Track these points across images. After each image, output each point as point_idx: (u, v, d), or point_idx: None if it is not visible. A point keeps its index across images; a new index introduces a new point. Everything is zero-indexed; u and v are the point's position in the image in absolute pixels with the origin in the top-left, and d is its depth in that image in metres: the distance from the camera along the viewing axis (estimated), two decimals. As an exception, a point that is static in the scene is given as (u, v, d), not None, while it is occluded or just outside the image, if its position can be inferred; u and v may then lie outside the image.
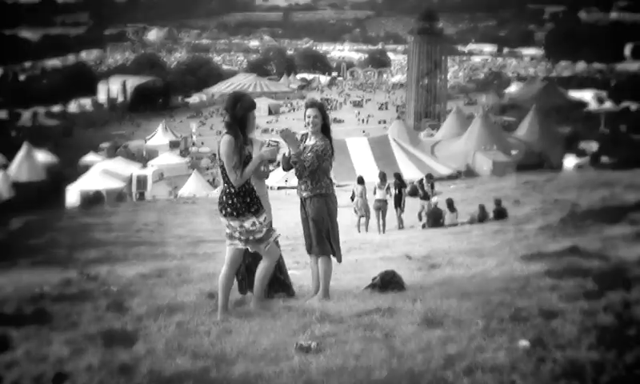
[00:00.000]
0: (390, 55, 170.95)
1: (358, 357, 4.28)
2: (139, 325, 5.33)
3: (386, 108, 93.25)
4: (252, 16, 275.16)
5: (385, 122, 76.19)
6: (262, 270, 5.69)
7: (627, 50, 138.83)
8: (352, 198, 19.96)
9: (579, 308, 5.05)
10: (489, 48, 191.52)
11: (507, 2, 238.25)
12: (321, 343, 4.57)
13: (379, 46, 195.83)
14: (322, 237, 6.32)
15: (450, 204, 19.06)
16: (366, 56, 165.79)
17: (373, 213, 19.36)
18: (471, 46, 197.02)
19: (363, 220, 19.62)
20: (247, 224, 5.47)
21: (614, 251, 8.60)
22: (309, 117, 6.33)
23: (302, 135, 6.42)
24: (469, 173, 46.68)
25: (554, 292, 5.77)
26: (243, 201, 5.46)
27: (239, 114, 5.48)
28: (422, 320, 4.98)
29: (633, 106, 73.28)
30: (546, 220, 16.62)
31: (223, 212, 5.54)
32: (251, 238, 5.50)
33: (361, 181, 19.63)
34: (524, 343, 4.27)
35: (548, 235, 12.84)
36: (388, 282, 6.59)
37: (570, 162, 46.97)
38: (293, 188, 22.70)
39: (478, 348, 4.24)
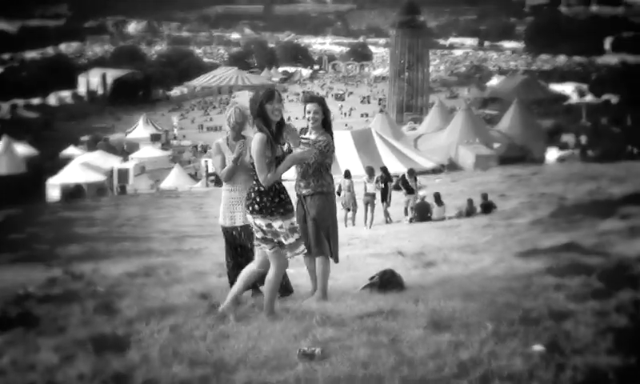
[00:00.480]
0: (372, 48, 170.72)
1: (366, 364, 4.06)
2: (130, 329, 5.07)
3: (369, 101, 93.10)
4: (233, 9, 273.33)
5: (367, 115, 76.01)
6: (269, 280, 5.38)
7: (607, 43, 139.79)
8: (339, 193, 19.74)
9: (590, 309, 4.88)
10: (470, 41, 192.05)
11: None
12: (325, 349, 4.35)
13: (361, 39, 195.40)
14: (322, 236, 6.12)
15: (438, 198, 18.93)
16: (348, 49, 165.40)
17: (360, 206, 19.17)
18: (452, 40, 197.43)
19: (350, 214, 19.43)
20: (275, 225, 5.22)
21: (611, 247, 8.47)
22: (309, 112, 6.11)
23: (301, 129, 6.18)
24: (452, 166, 46.68)
25: (560, 291, 5.60)
26: (273, 200, 5.19)
27: (256, 109, 5.19)
28: (429, 323, 4.77)
29: (613, 99, 73.68)
30: (536, 214, 16.52)
31: (250, 209, 5.26)
32: (276, 240, 5.25)
33: (347, 175, 19.42)
34: (539, 348, 4.09)
35: (540, 230, 12.71)
36: (387, 282, 6.38)
37: (552, 154, 47.15)
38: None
39: (492, 354, 4.04)
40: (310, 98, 6.24)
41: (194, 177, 47.01)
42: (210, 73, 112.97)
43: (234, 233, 6.29)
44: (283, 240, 5.20)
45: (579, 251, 8.15)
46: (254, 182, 5.23)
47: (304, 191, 6.19)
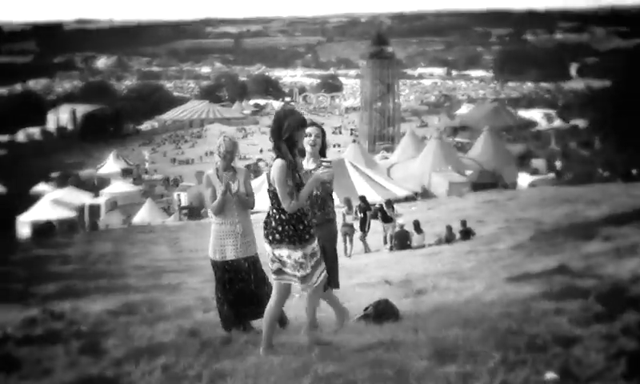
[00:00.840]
0: (342, 80, 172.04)
1: (374, 399, 3.87)
2: (120, 370, 4.83)
3: (340, 132, 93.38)
4: (202, 43, 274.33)
5: (339, 145, 76.15)
6: (270, 311, 5.20)
7: (573, 69, 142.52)
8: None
9: (596, 333, 4.75)
10: (438, 71, 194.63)
11: (454, 25, 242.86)
12: (329, 385, 4.15)
13: (331, 71, 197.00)
14: (329, 266, 5.93)
15: (417, 225, 18.83)
16: (319, 81, 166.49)
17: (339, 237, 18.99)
18: (421, 70, 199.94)
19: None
20: (297, 255, 5.03)
21: (601, 269, 8.40)
22: (309, 135, 5.89)
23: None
24: (425, 194, 46.82)
25: (561, 316, 5.46)
26: (295, 228, 5.01)
27: (286, 133, 5.00)
28: (432, 354, 4.59)
29: (581, 124, 74.87)
30: (515, 239, 16.46)
31: (270, 238, 5.06)
32: (298, 273, 5.05)
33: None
34: (552, 376, 3.93)
35: (523, 254, 12.62)
36: (382, 312, 6.19)
37: (524, 179, 47.61)
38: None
39: (504, 384, 3.88)
40: (311, 122, 6.04)
41: (167, 211, 46.54)
42: (181, 106, 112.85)
43: (225, 267, 6.06)
44: (303, 272, 5.02)
45: (571, 274, 8.06)
46: (274, 211, 5.04)
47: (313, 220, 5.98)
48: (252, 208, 6.22)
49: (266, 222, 5.10)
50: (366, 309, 6.39)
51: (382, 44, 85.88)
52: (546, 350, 4.44)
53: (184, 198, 47.87)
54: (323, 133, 6.06)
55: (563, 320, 5.30)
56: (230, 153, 6.10)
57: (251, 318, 6.06)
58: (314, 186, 5.14)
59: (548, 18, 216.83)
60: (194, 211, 44.62)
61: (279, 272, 5.10)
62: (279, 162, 4.93)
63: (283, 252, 5.01)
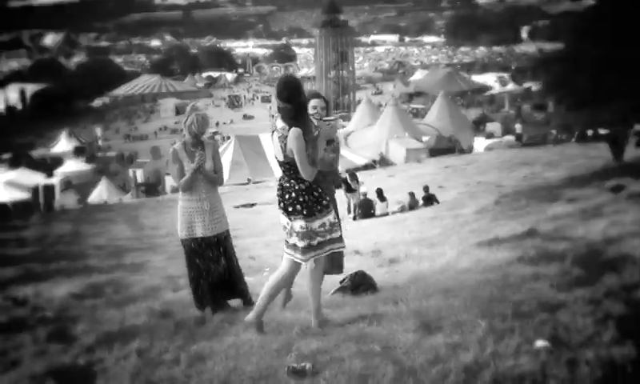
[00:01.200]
0: (295, 49, 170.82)
1: (364, 377, 3.74)
2: (92, 357, 4.62)
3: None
4: (151, 16, 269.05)
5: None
6: (275, 283, 5.00)
7: (524, 32, 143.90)
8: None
9: (580, 297, 4.69)
10: (391, 38, 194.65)
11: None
12: (315, 364, 4.00)
13: (283, 41, 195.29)
14: None
15: (380, 193, 18.79)
16: (271, 51, 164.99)
17: None
18: (374, 37, 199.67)
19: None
20: (315, 224, 4.81)
21: (571, 231, 8.41)
22: (314, 107, 5.53)
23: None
24: (383, 161, 46.91)
25: (541, 281, 5.41)
26: (315, 197, 4.82)
27: (298, 100, 4.74)
28: (418, 326, 4.48)
29: (534, 87, 75.68)
30: (478, 203, 16.52)
31: (290, 209, 4.81)
32: (308, 242, 4.80)
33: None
34: (543, 343, 3.85)
35: (488, 219, 12.65)
36: (359, 284, 6.08)
37: (480, 144, 48.00)
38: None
39: (495, 354, 3.79)
40: (315, 94, 5.72)
41: (123, 188, 45.77)
42: (133, 81, 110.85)
43: (192, 245, 5.81)
44: (318, 239, 4.82)
45: (541, 238, 8.05)
46: (292, 181, 4.81)
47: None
48: (221, 184, 5.99)
49: (282, 195, 4.87)
50: (342, 281, 6.26)
51: (335, 12, 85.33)
52: (533, 317, 4.37)
53: (140, 175, 47.13)
54: (327, 104, 5.76)
55: (544, 285, 5.25)
56: (202, 132, 5.84)
57: (225, 298, 5.88)
58: (322, 146, 4.93)
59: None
60: (152, 188, 43.99)
61: (293, 247, 4.89)
62: (297, 130, 4.66)
63: (304, 222, 4.80)
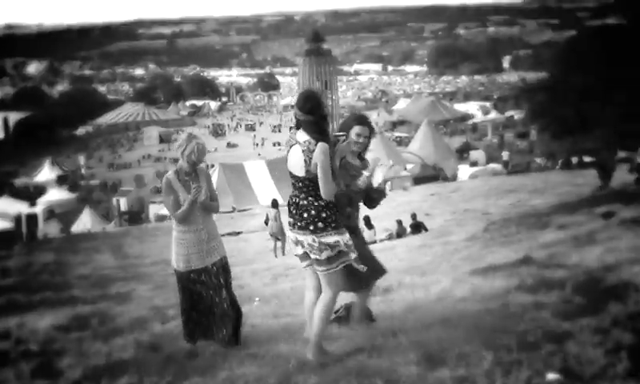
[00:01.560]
0: (279, 78, 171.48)
1: (369, 413, 3.56)
2: (79, 394, 4.39)
3: (279, 130, 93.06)
4: (135, 45, 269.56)
5: (279, 144, 75.75)
6: (325, 307, 4.77)
7: (506, 61, 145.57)
8: (266, 223, 19.35)
9: (586, 327, 4.54)
10: (374, 67, 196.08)
11: (389, 22, 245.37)
12: (315, 400, 3.82)
13: (267, 70, 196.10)
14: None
15: (368, 221, 18.63)
16: (255, 80, 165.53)
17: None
18: (357, 66, 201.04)
19: (279, 244, 18.92)
20: (343, 239, 4.69)
21: (565, 258, 8.30)
22: (359, 135, 5.15)
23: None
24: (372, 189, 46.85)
25: (543, 310, 5.26)
26: (333, 212, 4.68)
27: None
28: (420, 358, 4.30)
29: (517, 115, 76.27)
30: (467, 231, 16.43)
31: (312, 228, 4.63)
32: (333, 254, 4.66)
33: (275, 204, 18.94)
34: (554, 376, 3.69)
35: (479, 246, 12.53)
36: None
37: (464, 172, 48.11)
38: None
39: (505, 388, 3.62)
40: (359, 118, 5.34)
41: (107, 217, 45.32)
42: (116, 110, 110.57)
43: (191, 276, 5.51)
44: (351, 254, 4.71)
45: (536, 265, 7.93)
46: (310, 199, 4.64)
47: (352, 223, 5.36)
48: (217, 212, 5.78)
49: (299, 213, 4.68)
50: (337, 311, 6.06)
51: (318, 41, 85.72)
52: (540, 348, 4.21)
53: (123, 203, 46.71)
54: (372, 130, 5.34)
55: (546, 314, 5.10)
56: (200, 161, 5.58)
57: (206, 335, 5.57)
58: (337, 163, 4.78)
59: (480, 12, 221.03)
60: (135, 216, 43.58)
61: (333, 259, 4.68)
62: (325, 145, 4.53)
63: (332, 238, 4.64)
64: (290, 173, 4.75)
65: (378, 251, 15.48)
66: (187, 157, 5.50)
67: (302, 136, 4.64)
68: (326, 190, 4.55)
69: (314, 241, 4.64)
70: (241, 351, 5.12)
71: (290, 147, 4.74)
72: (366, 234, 18.32)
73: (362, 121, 5.27)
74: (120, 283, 15.18)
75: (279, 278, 12.26)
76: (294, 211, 4.73)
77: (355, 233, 5.27)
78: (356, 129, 5.15)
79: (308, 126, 4.61)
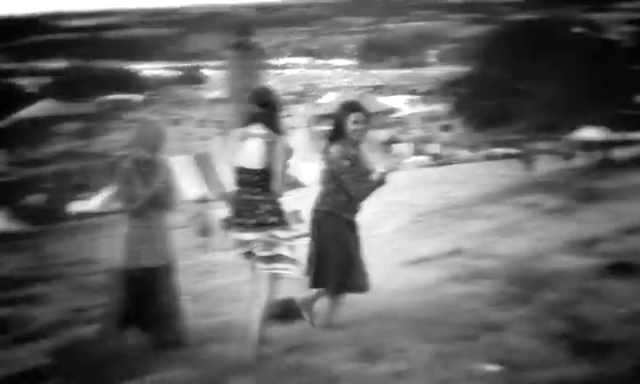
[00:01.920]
0: (206, 71, 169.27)
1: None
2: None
3: (204, 125, 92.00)
4: (56, 37, 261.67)
5: (206, 138, 74.89)
6: (267, 306, 4.58)
7: (432, 56, 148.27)
8: (192, 219, 19.04)
9: (522, 317, 4.54)
10: (303, 61, 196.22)
11: (318, 16, 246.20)
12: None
13: (194, 63, 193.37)
14: None
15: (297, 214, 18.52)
16: (181, 73, 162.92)
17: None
18: (285, 60, 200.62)
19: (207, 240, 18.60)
20: (284, 236, 4.54)
21: (493, 248, 8.40)
22: (356, 123, 4.94)
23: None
24: (296, 183, 46.86)
25: (477, 300, 5.26)
26: (283, 210, 4.59)
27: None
28: (359, 353, 4.19)
29: (442, 109, 77.60)
30: (394, 223, 16.54)
31: (269, 221, 4.48)
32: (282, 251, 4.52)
33: (202, 199, 18.62)
34: (493, 368, 3.64)
35: (407, 237, 12.62)
36: (288, 311, 5.73)
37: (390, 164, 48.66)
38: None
39: (447, 381, 3.54)
40: (353, 105, 5.07)
41: (23, 216, 43.71)
42: (36, 105, 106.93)
43: (133, 274, 5.11)
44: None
45: (467, 256, 7.99)
46: (266, 192, 4.48)
47: (351, 216, 5.30)
48: (172, 209, 5.35)
49: (253, 208, 4.48)
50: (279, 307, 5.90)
51: (246, 35, 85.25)
52: (478, 339, 4.17)
53: (41, 201, 45.35)
54: (368, 118, 5.09)
55: (481, 304, 5.09)
56: (157, 144, 5.21)
57: (143, 326, 5.30)
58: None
59: (406, 6, 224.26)
60: (53, 214, 42.23)
61: (280, 257, 4.53)
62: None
63: (285, 234, 4.54)
64: (241, 168, 4.55)
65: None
66: (144, 142, 5.15)
67: (262, 129, 4.54)
68: (279, 185, 4.46)
69: (269, 237, 4.48)
70: (171, 353, 4.89)
71: (243, 141, 4.57)
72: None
73: (355, 107, 5.07)
74: (38, 284, 14.60)
75: (208, 274, 12.03)
76: (245, 208, 4.53)
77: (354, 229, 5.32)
78: (352, 117, 4.97)
79: (266, 119, 4.56)
